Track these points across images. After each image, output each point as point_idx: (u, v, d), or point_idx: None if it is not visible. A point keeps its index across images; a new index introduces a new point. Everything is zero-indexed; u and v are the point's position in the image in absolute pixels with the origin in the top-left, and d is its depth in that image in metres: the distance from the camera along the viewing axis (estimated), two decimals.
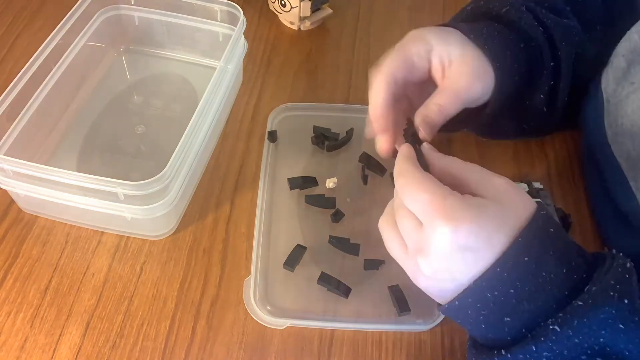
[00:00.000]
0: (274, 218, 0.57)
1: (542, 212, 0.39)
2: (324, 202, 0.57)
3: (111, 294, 0.52)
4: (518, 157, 0.63)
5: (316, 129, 0.63)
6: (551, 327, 0.36)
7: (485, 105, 0.51)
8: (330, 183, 0.59)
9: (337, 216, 0.56)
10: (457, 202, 0.38)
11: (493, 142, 0.64)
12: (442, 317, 0.50)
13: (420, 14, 0.80)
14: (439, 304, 0.42)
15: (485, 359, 0.39)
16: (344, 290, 0.51)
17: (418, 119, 0.46)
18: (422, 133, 0.46)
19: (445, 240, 0.37)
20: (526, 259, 0.37)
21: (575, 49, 0.53)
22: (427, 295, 0.51)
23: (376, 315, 0.51)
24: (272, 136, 0.62)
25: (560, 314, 0.36)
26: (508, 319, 0.38)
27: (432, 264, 0.39)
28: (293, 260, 0.53)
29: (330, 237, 0.55)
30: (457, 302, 0.39)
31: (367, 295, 0.52)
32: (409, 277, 0.52)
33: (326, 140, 0.62)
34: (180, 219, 0.57)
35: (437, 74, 0.49)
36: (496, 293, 0.37)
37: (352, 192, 0.59)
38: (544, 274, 0.37)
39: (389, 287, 0.52)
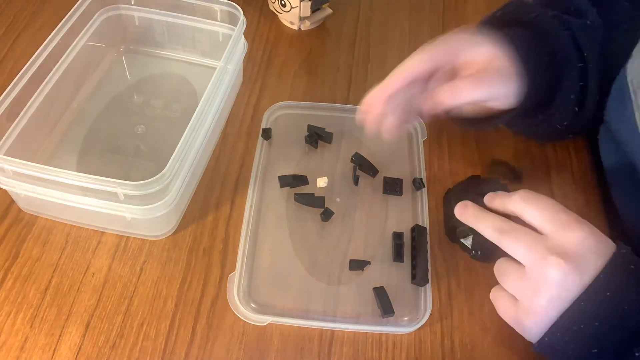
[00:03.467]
0: (262, 214, 0.57)
1: (622, 251, 0.41)
2: (313, 201, 0.57)
3: (111, 294, 0.52)
4: (518, 157, 0.63)
5: (310, 127, 0.63)
6: (637, 354, 0.38)
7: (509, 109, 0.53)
8: (321, 182, 0.59)
9: (327, 215, 0.56)
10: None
11: (493, 143, 0.64)
12: (425, 319, 0.51)
13: (420, 14, 0.80)
14: (534, 345, 0.45)
15: None
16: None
17: (427, 97, 0.51)
18: (425, 105, 0.51)
19: (577, 240, 0.42)
20: (608, 293, 0.39)
21: (600, 47, 0.54)
22: (412, 298, 0.52)
23: (360, 315, 0.51)
24: (266, 134, 0.63)
25: None
26: (596, 350, 0.40)
27: (570, 259, 0.41)
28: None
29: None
30: (546, 339, 0.42)
31: (352, 296, 0.52)
32: (393, 279, 0.53)
33: (319, 139, 0.62)
34: (180, 219, 0.57)
35: (464, 72, 0.52)
36: (582, 326, 0.40)
37: (343, 192, 0.59)
38: (625, 307, 0.39)
39: (373, 288, 0.52)
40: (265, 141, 0.63)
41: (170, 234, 0.56)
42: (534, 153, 0.63)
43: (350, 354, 0.49)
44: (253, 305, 0.51)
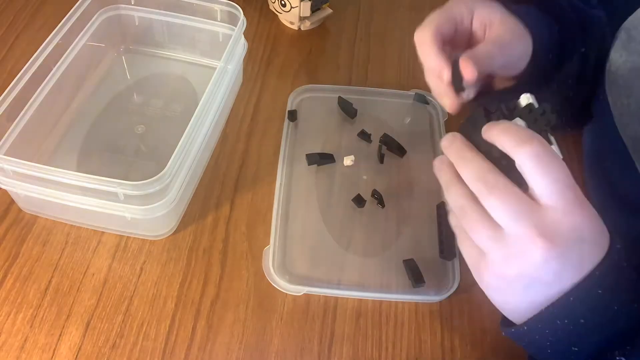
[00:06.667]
0: (292, 192, 0.59)
1: (617, 247, 0.38)
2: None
3: (111, 294, 0.52)
4: None
5: (340, 99, 0.66)
6: (617, 358, 0.37)
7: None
8: (348, 160, 0.61)
9: (359, 202, 0.58)
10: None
11: None
12: (454, 289, 0.52)
13: (420, 14, 0.79)
14: (503, 326, 0.42)
15: None
16: None
17: (464, 59, 0.44)
18: (469, 71, 0.43)
19: (573, 226, 0.36)
20: (600, 291, 0.37)
21: (599, 39, 0.53)
22: (439, 270, 0.54)
23: (389, 285, 0.53)
24: (292, 115, 0.65)
25: (628, 347, 0.37)
26: (576, 348, 0.38)
27: (558, 245, 0.36)
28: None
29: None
30: (525, 327, 0.39)
31: (383, 268, 0.54)
32: (421, 251, 0.55)
33: (345, 112, 0.65)
34: (180, 219, 0.57)
35: (478, 33, 0.48)
36: (566, 321, 0.38)
37: (369, 171, 0.61)
38: (615, 307, 0.37)
39: (403, 260, 0.54)
40: (291, 123, 0.65)
41: (170, 234, 0.56)
42: None
43: (351, 354, 0.49)
44: (288, 277, 0.53)
